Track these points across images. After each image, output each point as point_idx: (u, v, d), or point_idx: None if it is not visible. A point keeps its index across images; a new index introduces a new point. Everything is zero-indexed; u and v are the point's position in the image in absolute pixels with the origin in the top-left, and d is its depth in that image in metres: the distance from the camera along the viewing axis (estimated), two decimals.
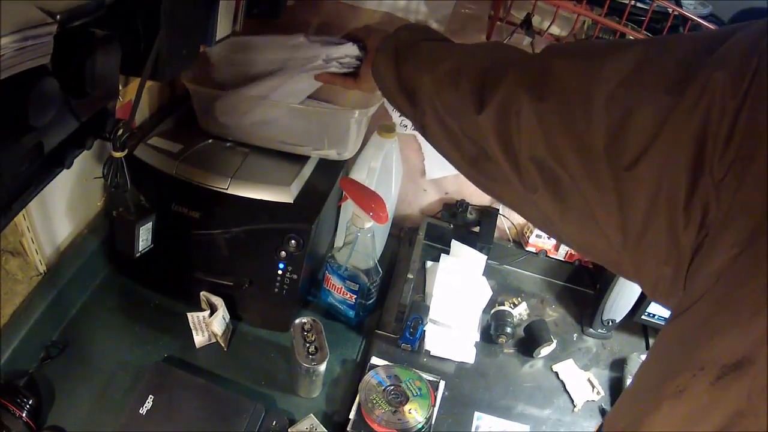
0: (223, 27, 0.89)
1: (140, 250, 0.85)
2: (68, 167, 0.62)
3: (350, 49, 0.87)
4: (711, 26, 0.86)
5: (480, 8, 1.08)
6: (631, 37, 0.84)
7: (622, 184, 0.46)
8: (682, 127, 0.42)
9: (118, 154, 0.76)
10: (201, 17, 0.81)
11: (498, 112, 0.56)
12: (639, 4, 0.84)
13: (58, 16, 0.51)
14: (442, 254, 1.28)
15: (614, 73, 0.47)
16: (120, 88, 0.75)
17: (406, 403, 0.96)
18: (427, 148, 1.27)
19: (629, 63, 0.47)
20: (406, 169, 1.23)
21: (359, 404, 0.95)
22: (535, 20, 0.90)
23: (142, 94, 0.72)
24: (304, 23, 1.19)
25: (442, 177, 1.31)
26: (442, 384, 1.03)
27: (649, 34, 0.84)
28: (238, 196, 0.97)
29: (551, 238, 1.28)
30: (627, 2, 0.82)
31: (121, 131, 0.74)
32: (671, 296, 0.48)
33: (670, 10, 0.81)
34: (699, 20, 0.83)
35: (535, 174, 0.54)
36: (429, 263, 1.28)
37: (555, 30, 0.90)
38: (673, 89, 0.43)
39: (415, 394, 0.98)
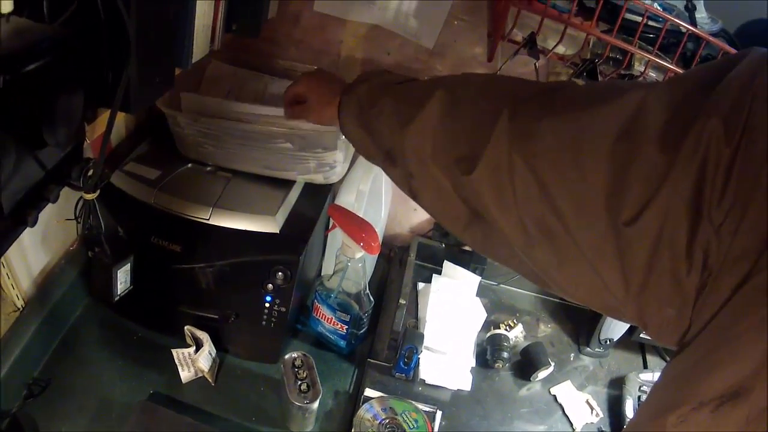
0: (199, 47, 0.84)
1: (119, 293, 0.80)
2: (32, 226, 0.57)
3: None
4: (723, 44, 0.81)
5: (474, 20, 1.03)
6: (639, 57, 0.80)
7: (622, 238, 0.46)
8: (681, 179, 0.42)
9: (89, 197, 0.71)
10: (174, 39, 0.76)
11: (491, 167, 0.54)
12: (651, 23, 0.79)
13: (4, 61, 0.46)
14: (434, 275, 1.24)
15: (606, 131, 0.47)
16: (87, 125, 0.69)
17: None
18: None
19: (621, 120, 0.46)
20: (396, 189, 1.18)
21: None
22: (539, 39, 0.85)
23: (111, 131, 0.67)
24: (286, 37, 1.14)
25: None
26: (438, 414, 1.00)
27: (660, 54, 0.80)
28: (221, 227, 0.93)
29: None
30: (638, 20, 0.76)
31: (91, 172, 0.69)
32: (675, 336, 0.47)
33: (684, 29, 0.76)
34: (712, 39, 0.78)
35: (532, 229, 0.52)
36: (421, 285, 1.24)
37: (560, 49, 0.85)
38: (668, 145, 0.43)
39: (412, 427, 0.95)
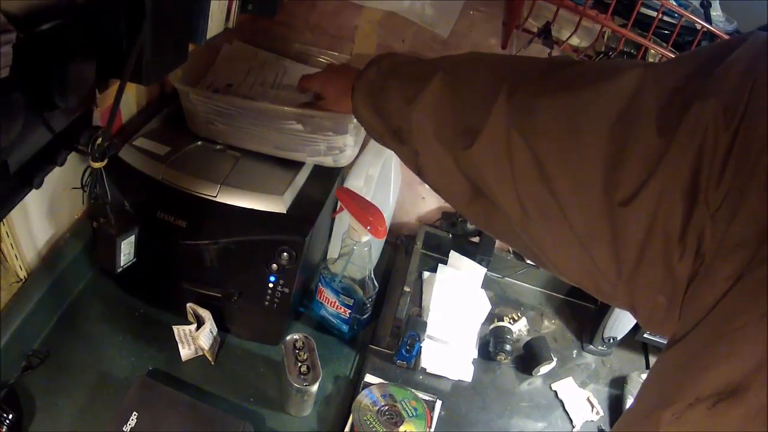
0: (215, 24, 0.83)
1: (122, 264, 0.80)
2: (37, 187, 0.57)
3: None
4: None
5: (490, 10, 1.02)
6: (653, 52, 0.79)
7: (617, 218, 0.46)
8: (677, 162, 0.42)
9: (96, 165, 0.71)
10: (191, 13, 0.75)
11: (490, 143, 0.55)
12: (666, 18, 0.78)
13: (20, 20, 0.45)
14: (440, 264, 1.23)
15: (604, 111, 0.47)
16: (98, 93, 0.69)
17: (401, 424, 0.93)
18: None
19: (619, 100, 0.46)
20: (405, 176, 1.18)
21: (352, 425, 0.92)
22: (554, 29, 0.84)
23: (120, 100, 0.67)
24: (302, 21, 1.13)
25: None
26: (438, 404, 0.99)
27: (674, 50, 0.79)
28: (228, 205, 0.92)
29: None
30: (654, 15, 0.76)
31: (99, 140, 0.69)
32: (666, 325, 0.47)
33: (698, 26, 0.75)
34: (726, 37, 0.78)
35: (529, 206, 0.53)
36: (426, 274, 1.23)
37: (574, 40, 0.85)
38: (666, 126, 0.43)
39: (411, 415, 0.94)
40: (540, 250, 0.56)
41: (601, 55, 0.82)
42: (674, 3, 0.79)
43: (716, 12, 0.84)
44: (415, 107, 0.64)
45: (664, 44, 0.78)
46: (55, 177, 0.91)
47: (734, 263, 0.38)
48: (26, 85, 0.49)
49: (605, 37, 0.83)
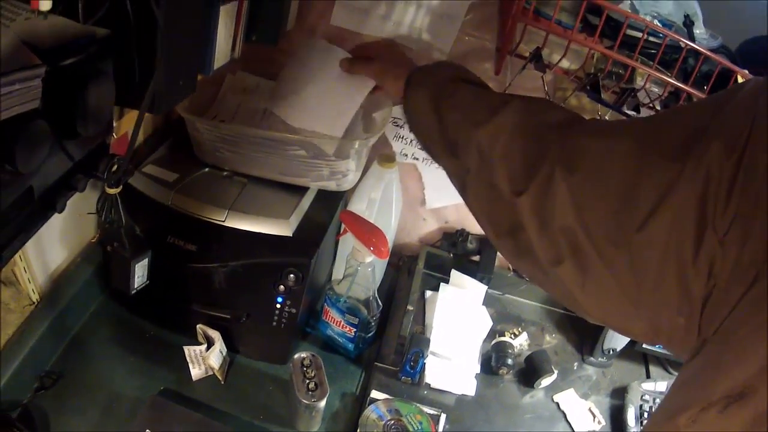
0: (221, 55, 0.88)
1: (136, 287, 0.83)
2: (60, 211, 0.60)
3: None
4: (722, 59, 0.84)
5: (484, 36, 1.07)
6: (640, 71, 0.83)
7: (633, 244, 0.49)
8: (687, 189, 0.45)
9: (112, 191, 0.74)
10: (198, 46, 0.79)
11: (540, 186, 0.57)
12: (651, 38, 0.82)
13: (47, 55, 0.49)
14: (442, 283, 1.26)
15: (621, 149, 0.52)
16: (114, 122, 0.73)
17: None
18: (428, 177, 1.25)
19: (637, 136, 0.52)
20: (406, 198, 1.22)
21: None
22: (544, 53, 0.89)
23: (138, 134, 0.71)
24: None
25: (442, 206, 1.29)
26: (443, 417, 1.01)
27: (660, 68, 0.83)
28: (236, 229, 0.95)
29: None
30: (639, 36, 0.80)
31: (115, 168, 0.72)
32: (685, 345, 0.49)
33: (683, 44, 0.79)
34: (711, 54, 0.82)
35: (563, 245, 0.55)
36: (428, 293, 1.26)
37: (564, 63, 0.89)
38: (677, 157, 0.47)
39: (416, 429, 0.96)
40: (568, 291, 0.57)
41: (590, 77, 0.86)
42: (658, 23, 0.84)
43: (699, 30, 0.89)
44: (486, 128, 0.64)
45: (650, 62, 0.82)
46: (66, 206, 0.94)
47: (745, 285, 0.42)
48: (50, 114, 0.52)
49: (594, 58, 0.87)
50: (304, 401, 0.90)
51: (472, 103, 0.69)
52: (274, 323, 0.99)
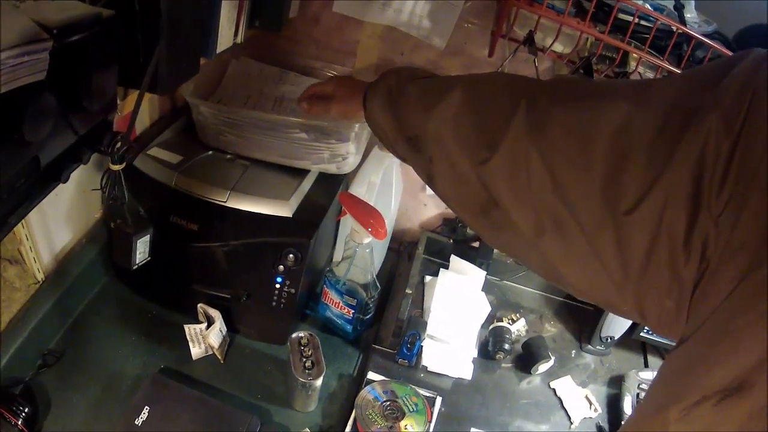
0: (224, 39, 0.90)
1: (137, 262, 0.84)
2: (64, 182, 0.62)
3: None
4: (716, 45, 0.85)
5: (483, 23, 1.08)
6: (634, 55, 0.84)
7: (622, 227, 0.47)
8: (680, 169, 0.43)
9: (115, 167, 0.76)
10: (201, 29, 0.81)
11: (509, 157, 0.56)
12: (643, 22, 0.83)
13: (54, 31, 0.51)
14: (441, 269, 1.27)
15: (609, 121, 0.49)
16: (119, 101, 0.75)
17: (402, 419, 0.96)
18: None
19: (623, 111, 0.48)
20: (406, 184, 1.23)
21: (355, 419, 0.95)
22: (538, 37, 0.90)
23: (140, 107, 0.72)
24: (306, 36, 1.20)
25: None
26: (438, 400, 1.03)
27: (652, 52, 0.84)
28: (237, 209, 0.97)
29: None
30: (630, 20, 0.81)
31: (119, 144, 0.74)
32: (674, 328, 0.48)
33: (674, 28, 0.80)
34: (703, 38, 0.82)
35: (543, 216, 0.54)
36: (428, 278, 1.28)
37: (558, 47, 0.90)
38: (668, 136, 0.44)
39: (412, 410, 0.97)
40: (549, 264, 0.57)
41: (583, 60, 0.87)
42: (649, 7, 0.84)
43: (690, 14, 0.89)
44: (433, 115, 0.65)
45: (642, 46, 0.83)
46: (71, 187, 0.97)
47: (738, 266, 0.40)
48: (57, 89, 0.54)
49: (588, 42, 0.88)
50: (301, 379, 0.91)
51: (421, 96, 0.70)
52: (274, 303, 1.01)
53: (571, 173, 0.51)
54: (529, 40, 0.88)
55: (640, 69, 0.87)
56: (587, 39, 0.88)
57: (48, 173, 0.60)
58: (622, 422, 1.08)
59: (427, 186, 1.28)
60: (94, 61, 0.58)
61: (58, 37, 0.52)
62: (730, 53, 0.84)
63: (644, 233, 0.46)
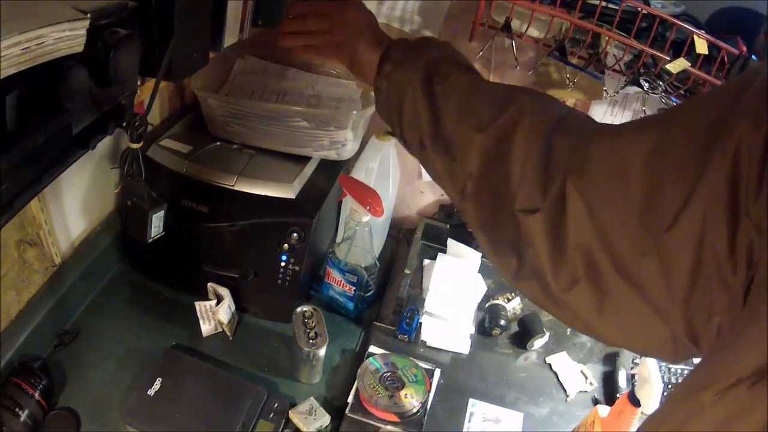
0: (230, 34, 0.97)
1: (152, 236, 0.90)
2: (92, 149, 0.68)
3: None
4: (685, 25, 0.91)
5: (469, 18, 1.14)
6: (605, 38, 0.91)
7: (663, 247, 0.46)
8: (714, 178, 0.43)
9: (134, 146, 0.83)
10: (210, 25, 0.89)
11: (553, 201, 0.53)
12: (610, 5, 0.91)
13: (88, 15, 0.58)
14: (439, 253, 1.33)
15: (641, 147, 0.48)
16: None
17: (402, 389, 1.00)
18: None
19: (654, 135, 0.48)
20: (404, 172, 1.29)
21: (357, 389, 1.00)
22: (515, 24, 0.97)
23: (156, 94, 0.80)
24: None
25: None
26: (437, 372, 1.07)
27: (620, 32, 0.91)
28: (244, 192, 1.03)
29: None
30: (597, 3, 0.88)
31: (137, 123, 0.81)
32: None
33: (639, 9, 0.87)
34: (669, 17, 0.89)
35: (578, 264, 0.52)
36: (426, 261, 1.33)
37: (533, 32, 0.97)
38: (703, 145, 0.44)
39: (411, 380, 1.02)
40: (581, 317, 0.55)
41: (558, 43, 0.94)
42: None
43: None
44: (493, 131, 0.58)
45: (611, 27, 0.90)
46: (86, 180, 1.04)
47: None
48: (89, 64, 0.61)
49: (562, 27, 0.95)
50: (305, 348, 0.97)
51: (472, 95, 0.62)
52: (279, 281, 1.06)
53: (609, 207, 0.49)
54: (507, 27, 0.95)
55: (609, 49, 0.94)
56: (561, 24, 0.95)
57: (78, 140, 0.66)
58: (617, 396, 1.11)
59: (423, 173, 1.36)
60: (120, 44, 0.66)
61: (92, 19, 0.59)
62: (690, 28, 0.89)
63: (687, 248, 0.45)
